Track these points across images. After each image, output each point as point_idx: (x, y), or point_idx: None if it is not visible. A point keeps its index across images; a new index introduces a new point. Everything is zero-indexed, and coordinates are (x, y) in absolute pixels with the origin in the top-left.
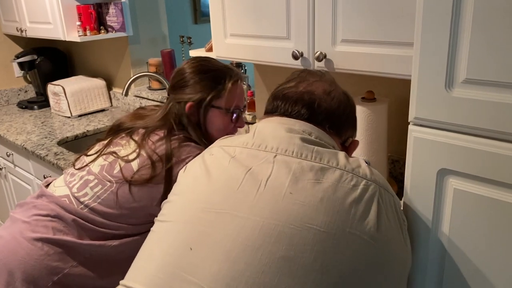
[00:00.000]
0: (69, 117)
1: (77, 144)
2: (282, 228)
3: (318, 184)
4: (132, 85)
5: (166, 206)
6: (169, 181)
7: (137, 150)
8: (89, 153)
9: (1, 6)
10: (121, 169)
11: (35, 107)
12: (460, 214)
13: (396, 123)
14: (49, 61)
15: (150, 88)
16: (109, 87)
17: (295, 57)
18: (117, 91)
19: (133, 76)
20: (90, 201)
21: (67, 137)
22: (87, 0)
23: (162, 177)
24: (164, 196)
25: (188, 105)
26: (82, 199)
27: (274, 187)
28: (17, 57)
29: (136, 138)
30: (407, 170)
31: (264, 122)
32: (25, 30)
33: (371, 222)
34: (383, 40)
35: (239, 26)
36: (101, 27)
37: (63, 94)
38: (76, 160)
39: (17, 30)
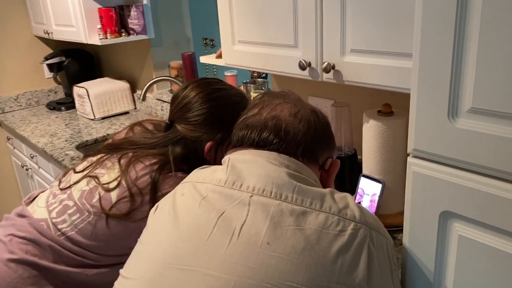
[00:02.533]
0: (92, 119)
1: (96, 148)
2: None
3: (299, 231)
4: (155, 88)
5: (131, 257)
6: None
7: (119, 178)
8: (77, 170)
9: (32, 9)
10: (100, 198)
11: (63, 108)
12: (466, 266)
13: None
14: (76, 63)
15: (171, 92)
16: (133, 89)
17: (302, 67)
18: (140, 93)
19: (150, 81)
20: (67, 229)
21: (87, 141)
22: (109, 3)
23: (142, 213)
24: None
25: (208, 145)
26: (60, 226)
27: (250, 235)
28: (46, 58)
29: (122, 162)
30: (406, 209)
31: (236, 154)
32: (52, 33)
33: (360, 274)
34: (397, 51)
35: (246, 32)
36: (123, 30)
37: (86, 97)
38: (64, 175)
39: (45, 33)
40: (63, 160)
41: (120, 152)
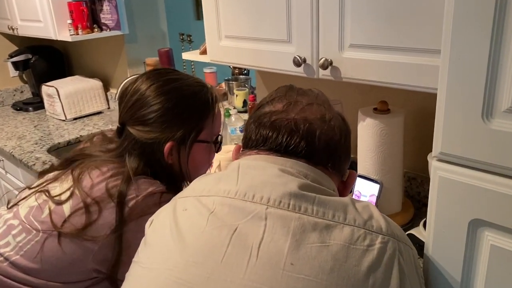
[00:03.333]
0: (63, 120)
1: (69, 151)
2: None
3: (325, 248)
4: None
5: (128, 281)
6: (119, 242)
7: (71, 188)
8: (31, 186)
9: None
10: (50, 213)
11: (30, 108)
12: (498, 278)
13: (413, 135)
14: (44, 60)
15: None
16: (107, 88)
17: (297, 63)
18: (114, 92)
19: (124, 79)
20: (11, 253)
21: (59, 143)
22: None
23: (99, 229)
24: (114, 259)
25: (168, 146)
26: (2, 250)
27: (270, 255)
28: (11, 56)
29: (75, 171)
30: (430, 216)
31: (248, 160)
32: (17, 29)
33: None
34: (400, 46)
35: (234, 26)
36: (95, 25)
37: (57, 96)
38: (20, 192)
39: (9, 28)
40: (34, 164)
41: (76, 161)
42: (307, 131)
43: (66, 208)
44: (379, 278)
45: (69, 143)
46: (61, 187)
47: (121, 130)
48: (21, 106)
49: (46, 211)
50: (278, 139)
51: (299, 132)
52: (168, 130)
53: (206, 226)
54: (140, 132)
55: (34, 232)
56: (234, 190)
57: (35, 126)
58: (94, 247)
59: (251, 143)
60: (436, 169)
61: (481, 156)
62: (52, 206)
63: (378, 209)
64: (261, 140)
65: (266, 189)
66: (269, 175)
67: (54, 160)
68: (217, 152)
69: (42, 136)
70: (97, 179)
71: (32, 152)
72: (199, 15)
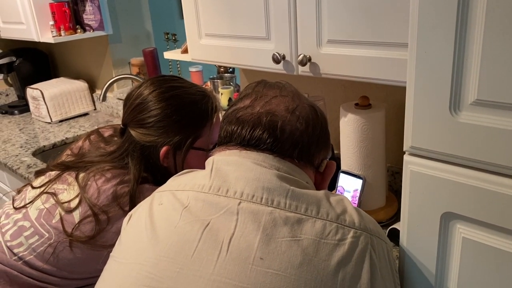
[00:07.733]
0: (49, 122)
1: (54, 154)
2: None
3: (295, 242)
4: (115, 87)
5: (103, 276)
6: None
7: (80, 195)
8: (35, 185)
9: None
10: (61, 219)
11: (16, 112)
12: (471, 270)
13: (396, 129)
14: (29, 62)
15: None
16: (92, 89)
17: (276, 60)
18: (99, 93)
19: (109, 79)
20: (25, 253)
21: (44, 146)
22: None
23: (108, 238)
24: None
25: (163, 150)
26: (15, 250)
27: (240, 250)
28: None
29: (81, 177)
30: (403, 210)
31: (221, 155)
32: None
33: (363, 287)
34: (377, 40)
35: (214, 24)
36: (78, 26)
37: (41, 99)
38: (21, 189)
39: None
40: (19, 168)
41: (76, 169)
42: (269, 122)
43: (76, 215)
44: (349, 272)
45: (54, 146)
46: (68, 193)
47: (123, 131)
48: (6, 110)
49: (57, 217)
50: (242, 133)
51: (261, 125)
52: (165, 134)
53: (179, 221)
54: (140, 134)
55: (47, 235)
56: (208, 185)
57: (20, 130)
58: (104, 252)
59: (220, 140)
60: (408, 163)
61: (450, 149)
62: (62, 213)
63: (352, 203)
64: (228, 136)
65: (239, 183)
66: (243, 170)
67: (39, 163)
68: None
69: (27, 139)
70: (103, 187)
71: (17, 155)
72: (183, 14)
